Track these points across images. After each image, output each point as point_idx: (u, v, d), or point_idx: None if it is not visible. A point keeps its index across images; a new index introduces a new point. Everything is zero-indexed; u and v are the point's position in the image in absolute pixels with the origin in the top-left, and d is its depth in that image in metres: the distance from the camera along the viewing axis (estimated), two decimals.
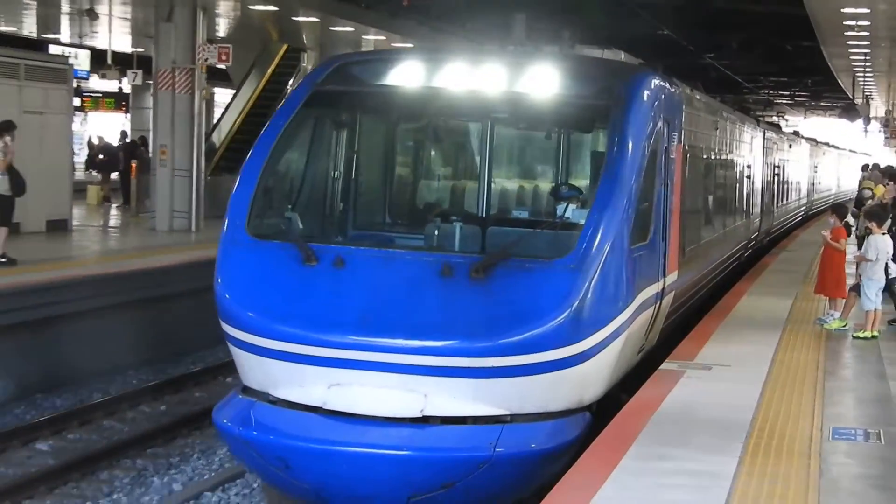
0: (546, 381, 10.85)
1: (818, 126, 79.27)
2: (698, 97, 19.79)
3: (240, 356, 11.54)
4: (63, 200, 30.10)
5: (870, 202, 22.13)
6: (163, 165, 31.11)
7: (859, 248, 18.10)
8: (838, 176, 68.29)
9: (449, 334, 10.67)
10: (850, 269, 18.20)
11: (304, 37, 40.37)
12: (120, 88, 53.05)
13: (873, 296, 16.53)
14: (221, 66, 32.63)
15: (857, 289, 16.96)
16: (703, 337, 16.22)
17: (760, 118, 39.81)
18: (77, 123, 35.54)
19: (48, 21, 37.77)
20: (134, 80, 42.90)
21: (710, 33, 41.75)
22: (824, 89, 63.27)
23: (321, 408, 10.65)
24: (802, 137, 51.25)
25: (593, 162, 14.25)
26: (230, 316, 11.44)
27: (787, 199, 37.75)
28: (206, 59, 32.25)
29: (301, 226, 12.96)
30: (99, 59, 43.48)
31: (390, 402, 10.53)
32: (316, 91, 13.35)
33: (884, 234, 16.65)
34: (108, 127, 55.72)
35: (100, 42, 41.33)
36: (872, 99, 56.16)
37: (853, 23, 30.30)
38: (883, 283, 16.65)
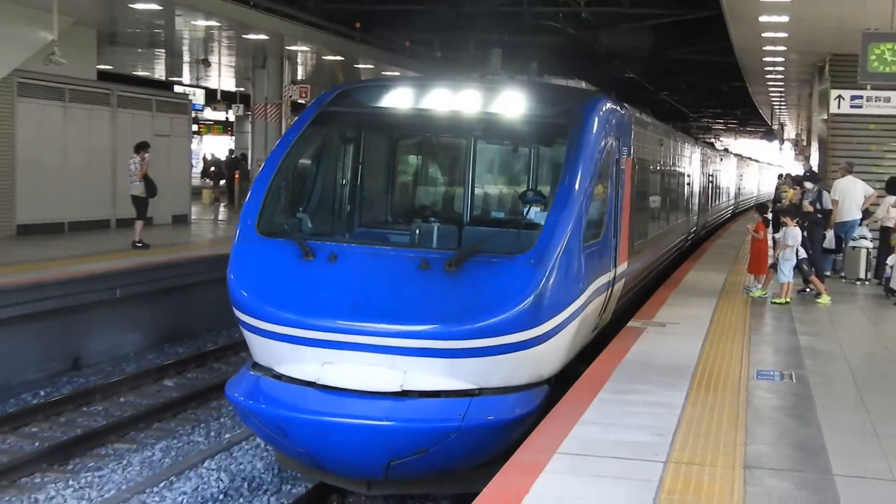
0: (509, 359, 10.14)
1: (745, 145, 78.96)
2: (646, 119, 18.74)
3: (249, 337, 10.93)
4: (184, 200, 30.20)
5: (782, 203, 21.99)
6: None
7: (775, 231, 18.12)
8: (759, 182, 68.03)
9: (425, 320, 9.98)
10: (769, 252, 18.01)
11: (361, 77, 40.42)
12: (226, 118, 53.44)
13: (787, 272, 16.59)
14: (301, 101, 32.67)
15: (774, 266, 17.01)
16: (659, 302, 16.15)
17: (699, 138, 39.58)
18: (194, 144, 35.76)
19: (174, 68, 37.78)
20: (237, 112, 43.75)
21: (665, 76, 41.57)
22: (749, 118, 63.14)
23: (316, 383, 10.09)
24: (731, 153, 51.03)
25: (554, 172, 13.15)
26: (240, 303, 10.82)
27: (718, 201, 37.39)
28: (290, 96, 33.63)
29: (310, 226, 12.33)
30: (211, 96, 43.59)
31: (374, 378, 9.92)
32: (321, 112, 12.60)
33: (794, 226, 16.58)
34: (218, 146, 55.91)
35: (211, 83, 41.33)
36: (785, 125, 56.09)
37: (771, 69, 30.28)
38: (794, 262, 16.61)
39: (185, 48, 32.54)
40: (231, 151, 45.95)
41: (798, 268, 16.85)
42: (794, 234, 16.53)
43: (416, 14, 30.48)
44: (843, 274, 20.39)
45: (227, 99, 41.51)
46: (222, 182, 41.50)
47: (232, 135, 56.39)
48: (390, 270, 10.57)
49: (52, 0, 21.43)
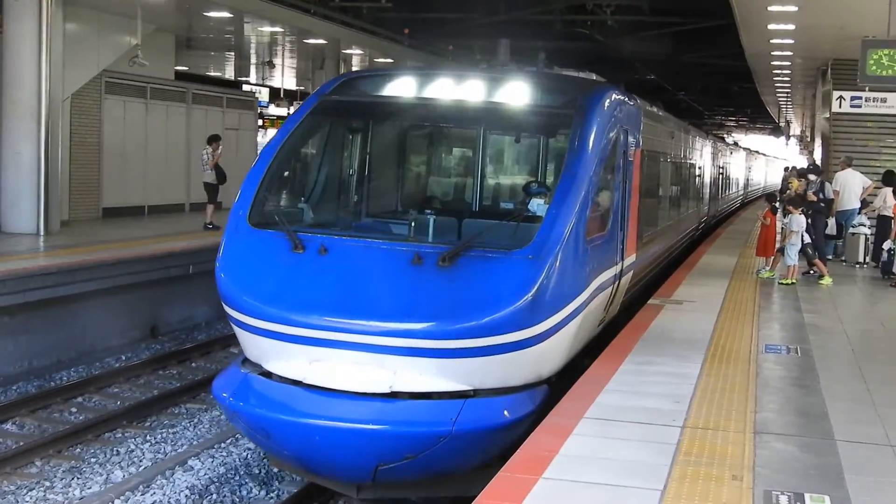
0: (505, 359, 8.83)
1: (754, 140, 78.29)
2: (656, 111, 17.17)
3: (237, 332, 9.65)
4: None
5: (788, 193, 21.82)
6: None
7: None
8: (766, 174, 67.49)
9: (416, 318, 8.64)
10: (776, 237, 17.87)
11: None
12: (288, 113, 53.47)
13: (793, 255, 16.49)
14: None
15: (781, 250, 16.86)
16: (677, 282, 16.01)
17: (712, 133, 39.19)
18: (260, 136, 35.83)
19: (242, 69, 37.87)
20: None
21: (682, 78, 41.27)
22: (758, 116, 62.60)
23: (302, 382, 8.85)
24: (740, 147, 50.60)
25: (557, 163, 11.72)
26: (226, 297, 9.50)
27: (728, 191, 36.86)
28: None
29: (311, 216, 11.02)
30: (274, 94, 43.63)
31: (362, 378, 8.60)
32: (322, 101, 11.13)
33: (799, 214, 16.51)
34: None
35: (275, 82, 41.35)
36: (791, 122, 55.57)
37: (778, 72, 30.06)
38: (799, 246, 16.51)
39: (252, 51, 32.60)
40: None
41: (803, 252, 16.79)
42: (798, 221, 16.44)
43: (458, 22, 30.34)
44: (843, 258, 20.25)
45: (289, 97, 41.48)
46: None
47: None
48: (382, 265, 9.26)
49: (137, 9, 21.55)
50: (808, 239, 16.88)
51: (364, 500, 9.29)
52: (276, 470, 10.88)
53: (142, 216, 25.01)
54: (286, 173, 11.26)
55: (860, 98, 18.00)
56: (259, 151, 10.49)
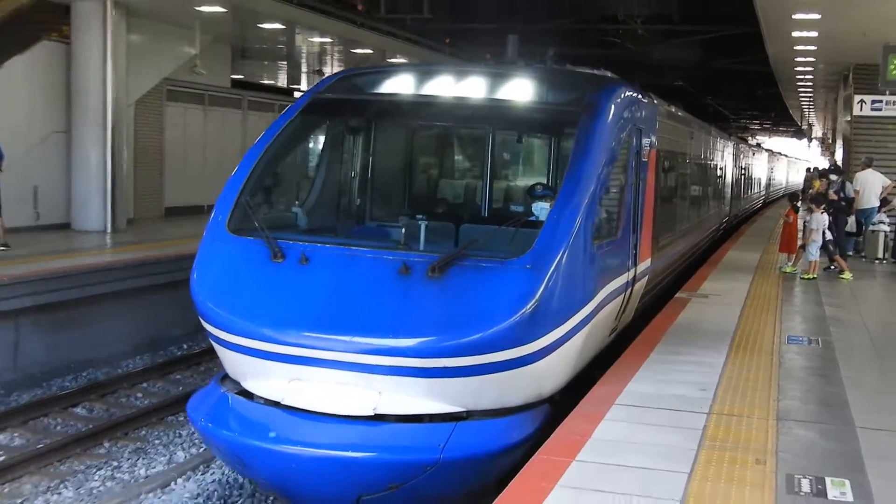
0: (501, 378, 7.65)
1: (778, 143, 77.64)
2: (674, 111, 15.70)
3: (215, 347, 8.45)
4: None
5: (811, 192, 21.69)
6: None
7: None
8: (788, 175, 66.87)
9: (402, 334, 7.41)
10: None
11: None
12: None
13: (815, 251, 16.35)
14: None
15: (804, 247, 16.70)
16: (703, 277, 15.93)
17: (737, 135, 38.82)
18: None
19: (294, 77, 37.98)
20: None
21: (709, 84, 40.98)
22: (782, 119, 61.99)
23: (280, 403, 7.74)
24: (763, 148, 50.22)
25: (563, 164, 10.18)
26: (201, 310, 8.26)
27: (750, 191, 36.32)
28: None
29: (305, 221, 9.86)
30: None
31: (344, 400, 7.46)
32: (315, 98, 9.88)
33: (821, 212, 16.38)
34: None
35: None
36: (813, 125, 55.15)
37: (801, 77, 29.83)
38: (820, 243, 16.40)
39: (303, 60, 32.74)
40: None
41: (824, 248, 16.72)
42: (819, 219, 16.33)
43: (496, 31, 30.29)
44: (863, 254, 20.07)
45: None
46: None
47: None
48: (367, 275, 7.95)
49: (196, 21, 21.74)
50: (829, 236, 16.82)
51: None
52: None
53: (201, 214, 25.16)
54: (271, 176, 9.82)
55: (881, 101, 17.91)
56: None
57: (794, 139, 79.23)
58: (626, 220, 10.00)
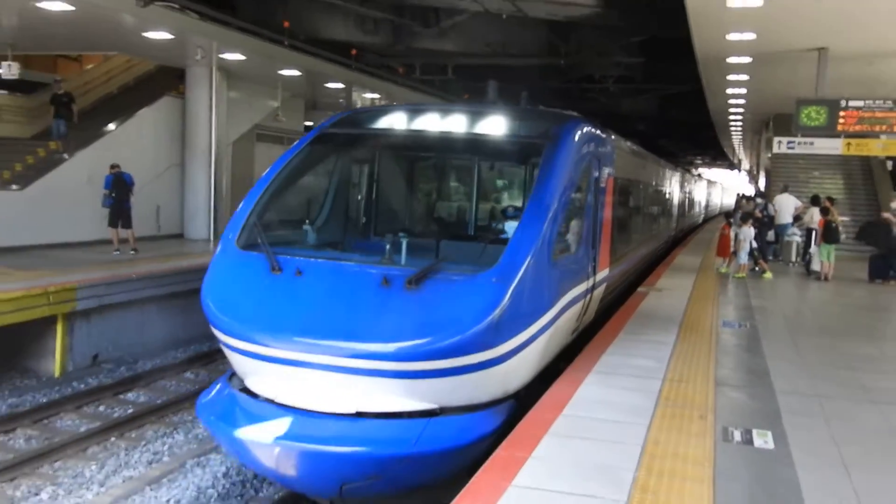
0: (471, 379, 6.87)
1: (715, 173, 77.00)
2: (630, 145, 14.37)
3: (223, 349, 7.60)
4: None
5: (740, 211, 21.62)
6: None
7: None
8: (722, 198, 66.30)
9: (381, 339, 6.62)
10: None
11: None
12: None
13: (744, 256, 16.27)
14: None
15: (735, 253, 16.52)
16: (658, 275, 15.80)
17: (682, 167, 38.47)
18: None
19: None
20: None
21: (664, 128, 40.78)
22: (719, 155, 61.65)
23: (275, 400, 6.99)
24: (703, 177, 49.85)
25: (529, 188, 8.98)
26: (209, 316, 7.44)
27: (693, 210, 35.87)
28: None
29: (314, 238, 8.92)
30: None
31: (330, 399, 6.73)
32: (322, 133, 9.13)
33: (749, 227, 16.31)
34: None
35: None
36: (742, 160, 54.87)
37: (734, 124, 29.72)
38: (748, 250, 16.35)
39: None
40: None
41: (751, 254, 16.63)
42: (747, 232, 16.23)
43: (505, 90, 30.32)
44: (780, 258, 19.91)
45: None
46: None
47: None
48: (352, 287, 7.12)
49: (278, 82, 21.87)
50: (755, 245, 16.75)
51: None
52: None
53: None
54: (279, 198, 8.82)
55: (794, 142, 17.73)
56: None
57: (728, 170, 78.67)
58: (585, 236, 9.03)
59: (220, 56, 18.66)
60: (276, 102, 23.03)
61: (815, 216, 18.54)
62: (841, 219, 18.85)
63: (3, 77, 19.47)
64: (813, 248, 17.74)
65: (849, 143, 15.86)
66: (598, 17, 19.79)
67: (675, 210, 25.29)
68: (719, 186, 65.06)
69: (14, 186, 17.35)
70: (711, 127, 33.42)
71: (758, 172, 39.16)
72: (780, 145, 17.60)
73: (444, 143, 9.06)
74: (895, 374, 8.79)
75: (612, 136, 11.23)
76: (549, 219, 7.52)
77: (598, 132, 10.06)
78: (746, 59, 16.20)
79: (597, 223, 9.56)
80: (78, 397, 11.35)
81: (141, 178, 17.56)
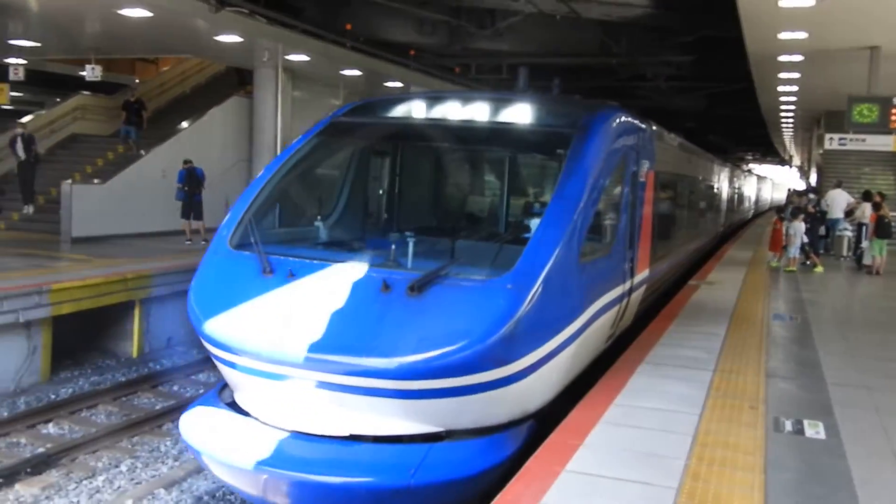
0: (482, 399, 5.71)
1: (766, 169, 75.31)
2: (673, 138, 12.87)
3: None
4: None
5: (791, 206, 21.18)
6: None
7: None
8: (772, 193, 64.89)
9: (377, 354, 5.49)
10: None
11: None
12: None
13: (795, 250, 15.98)
14: None
15: (786, 247, 16.25)
16: (709, 269, 15.53)
17: (732, 162, 37.54)
18: None
19: None
20: None
21: (714, 125, 40.03)
22: (769, 151, 60.35)
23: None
24: (752, 172, 48.75)
25: (554, 183, 7.10)
26: (193, 322, 6.34)
27: (742, 206, 34.54)
28: None
29: (325, 235, 7.81)
30: None
31: (320, 419, 5.70)
32: (334, 122, 7.95)
33: (800, 222, 16.06)
34: None
35: None
36: (793, 156, 53.67)
37: (785, 121, 29.11)
38: (799, 244, 16.03)
39: None
40: None
41: (802, 248, 16.28)
42: (798, 226, 15.93)
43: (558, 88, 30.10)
44: (831, 252, 19.45)
45: None
46: None
47: None
48: (350, 293, 5.97)
49: (339, 82, 22.09)
50: (805, 239, 16.45)
51: None
52: None
53: None
54: (284, 193, 7.60)
55: (845, 139, 17.34)
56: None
57: (779, 166, 76.92)
58: (620, 235, 7.80)
59: (286, 57, 18.89)
60: (337, 101, 23.21)
61: (866, 211, 18.13)
62: (893, 214, 18.35)
63: (87, 79, 20.04)
64: (865, 243, 17.34)
65: None
66: (650, 18, 19.51)
67: (722, 206, 24.66)
68: (769, 182, 63.64)
69: (96, 180, 17.87)
70: (762, 123, 32.69)
71: (809, 168, 38.26)
72: (832, 142, 17.21)
73: (463, 133, 7.73)
74: None
75: (653, 128, 9.86)
76: (575, 217, 6.37)
77: (637, 122, 8.77)
78: (798, 58, 15.79)
79: (635, 221, 8.37)
80: (153, 377, 11.69)
81: (211, 172, 17.87)
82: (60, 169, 19.45)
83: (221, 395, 6.57)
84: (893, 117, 14.80)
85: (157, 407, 10.53)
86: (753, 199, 44.10)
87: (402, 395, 5.57)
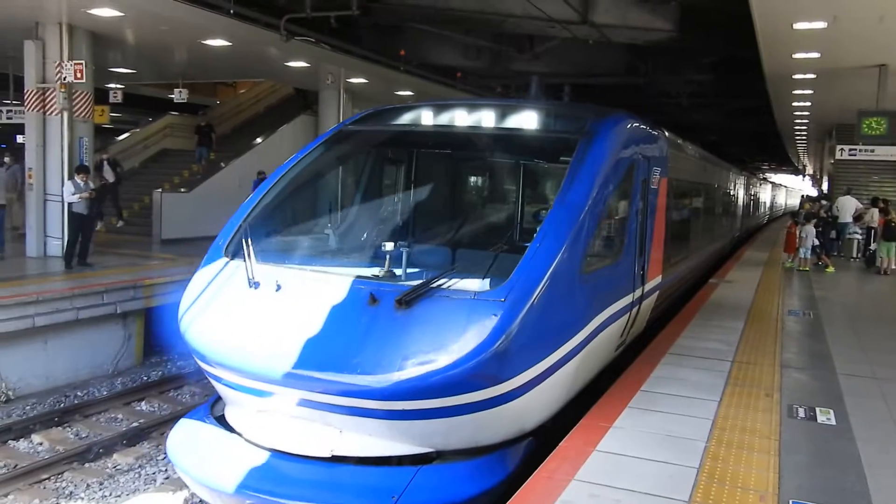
0: (474, 419, 4.87)
1: (781, 177, 73.61)
2: (687, 145, 11.74)
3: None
4: None
5: (804, 211, 20.73)
6: None
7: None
8: (786, 200, 63.34)
9: (362, 372, 4.68)
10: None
11: None
12: None
13: (805, 252, 15.65)
14: None
15: (799, 249, 15.86)
16: (727, 269, 15.23)
17: (749, 171, 36.57)
18: None
19: None
20: None
21: (733, 137, 39.28)
22: (784, 161, 59.03)
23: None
24: (768, 180, 47.64)
25: (556, 191, 6.06)
26: (182, 331, 5.57)
27: (758, 211, 33.27)
28: None
29: (334, 244, 6.84)
30: None
31: (302, 439, 4.98)
32: (342, 130, 7.07)
33: (812, 225, 15.78)
34: None
35: None
36: (806, 165, 52.48)
37: (799, 133, 28.48)
38: (811, 246, 15.71)
39: None
40: None
41: (814, 250, 15.90)
42: (810, 230, 15.64)
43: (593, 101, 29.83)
44: (842, 254, 18.95)
45: None
46: None
47: None
48: (337, 306, 5.13)
49: (395, 100, 22.15)
50: (817, 242, 16.06)
51: None
52: None
53: None
54: (285, 201, 6.68)
55: (856, 149, 16.93)
56: None
57: (793, 175, 75.14)
58: (628, 243, 6.80)
59: (347, 80, 19.07)
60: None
61: (875, 216, 17.64)
62: None
63: (175, 101, 20.50)
64: (873, 245, 16.95)
65: None
66: (673, 41, 19.25)
67: (738, 212, 24.08)
68: (783, 189, 62.15)
69: (182, 189, 18.29)
70: (777, 136, 32.00)
71: (821, 177, 37.36)
72: (843, 152, 16.79)
73: (465, 140, 6.84)
74: None
75: (665, 134, 8.82)
76: (577, 224, 5.49)
77: (647, 129, 7.82)
78: (811, 76, 15.45)
79: (645, 228, 7.37)
80: None
81: None
82: (152, 179, 19.95)
83: (214, 408, 5.85)
84: None
85: None
86: (768, 205, 43.11)
87: (387, 415, 4.79)
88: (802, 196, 36.48)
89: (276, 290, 5.37)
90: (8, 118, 15.51)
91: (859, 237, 18.61)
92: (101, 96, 18.10)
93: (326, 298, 5.19)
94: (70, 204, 12.67)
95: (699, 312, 10.02)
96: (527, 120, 6.62)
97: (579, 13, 15.35)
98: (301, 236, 6.86)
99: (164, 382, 10.75)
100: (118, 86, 21.67)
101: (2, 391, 9.83)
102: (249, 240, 5.82)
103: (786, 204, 61.92)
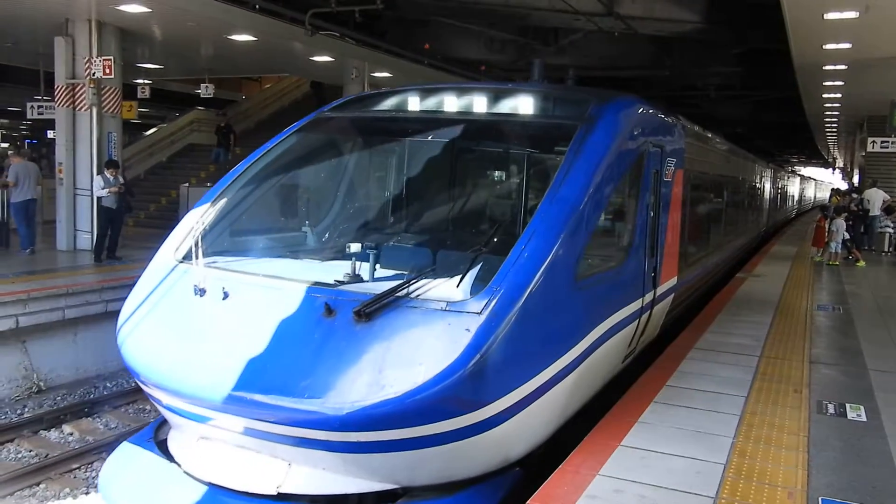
0: (446, 451, 4.05)
1: (811, 170, 72.45)
2: (707, 134, 10.59)
3: None
4: None
5: (832, 204, 20.43)
6: None
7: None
8: (815, 192, 62.36)
9: (311, 397, 3.91)
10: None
11: None
12: None
13: (836, 246, 15.38)
14: None
15: (829, 242, 15.58)
16: (755, 263, 15.04)
17: (777, 163, 35.90)
18: None
19: None
20: None
21: (761, 130, 38.76)
22: (814, 154, 58.15)
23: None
24: (796, 173, 46.90)
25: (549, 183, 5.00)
26: (119, 346, 4.81)
27: (785, 205, 32.53)
28: None
29: (312, 241, 6.14)
30: None
31: (246, 472, 4.28)
32: (318, 117, 6.21)
33: (842, 219, 15.52)
34: None
35: None
36: (836, 158, 51.66)
37: (829, 126, 28.07)
38: (841, 240, 15.45)
39: None
40: None
41: (844, 243, 15.67)
42: (840, 223, 15.37)
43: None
44: (873, 248, 18.64)
45: None
46: None
47: None
48: (288, 318, 4.33)
49: None
50: (847, 235, 15.87)
51: None
52: None
53: None
54: (251, 197, 5.83)
55: (888, 141, 16.65)
56: None
57: (822, 168, 73.94)
58: (637, 243, 6.02)
59: (372, 74, 19.09)
60: None
61: None
62: None
63: (202, 96, 20.68)
64: None
65: None
66: (700, 32, 19.00)
67: (765, 205, 23.56)
68: (812, 182, 61.22)
69: (209, 184, 18.43)
70: (806, 128, 31.51)
71: (852, 170, 36.73)
72: (875, 145, 16.51)
73: (451, 128, 6.04)
74: None
75: (681, 122, 7.90)
76: (571, 223, 4.63)
77: (660, 115, 6.89)
78: (842, 67, 15.16)
79: (658, 226, 6.53)
80: None
81: None
82: (179, 173, 20.16)
83: (159, 431, 5.13)
84: None
85: None
86: (796, 198, 42.46)
87: (340, 447, 4.02)
88: (832, 189, 35.85)
89: (223, 299, 4.58)
90: (39, 114, 15.77)
91: (891, 230, 18.28)
92: (129, 92, 18.33)
93: (276, 309, 4.39)
94: (99, 198, 12.85)
95: (726, 307, 9.90)
96: (521, 104, 5.75)
97: (605, 5, 15.20)
98: (260, 236, 6.04)
99: None
100: (146, 81, 21.92)
101: (33, 382, 10.02)
102: (200, 239, 5.07)
103: (815, 197, 61.00)
